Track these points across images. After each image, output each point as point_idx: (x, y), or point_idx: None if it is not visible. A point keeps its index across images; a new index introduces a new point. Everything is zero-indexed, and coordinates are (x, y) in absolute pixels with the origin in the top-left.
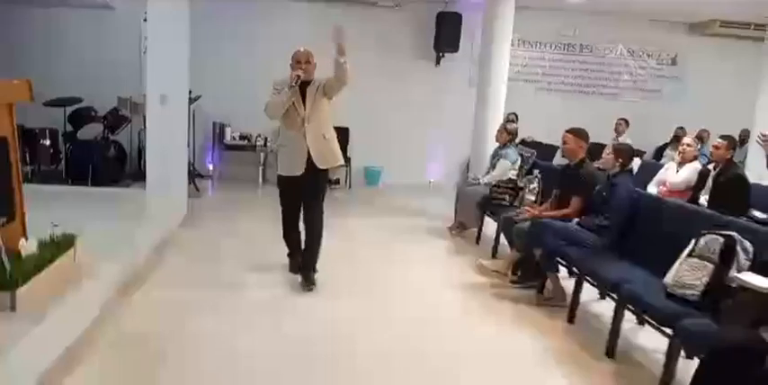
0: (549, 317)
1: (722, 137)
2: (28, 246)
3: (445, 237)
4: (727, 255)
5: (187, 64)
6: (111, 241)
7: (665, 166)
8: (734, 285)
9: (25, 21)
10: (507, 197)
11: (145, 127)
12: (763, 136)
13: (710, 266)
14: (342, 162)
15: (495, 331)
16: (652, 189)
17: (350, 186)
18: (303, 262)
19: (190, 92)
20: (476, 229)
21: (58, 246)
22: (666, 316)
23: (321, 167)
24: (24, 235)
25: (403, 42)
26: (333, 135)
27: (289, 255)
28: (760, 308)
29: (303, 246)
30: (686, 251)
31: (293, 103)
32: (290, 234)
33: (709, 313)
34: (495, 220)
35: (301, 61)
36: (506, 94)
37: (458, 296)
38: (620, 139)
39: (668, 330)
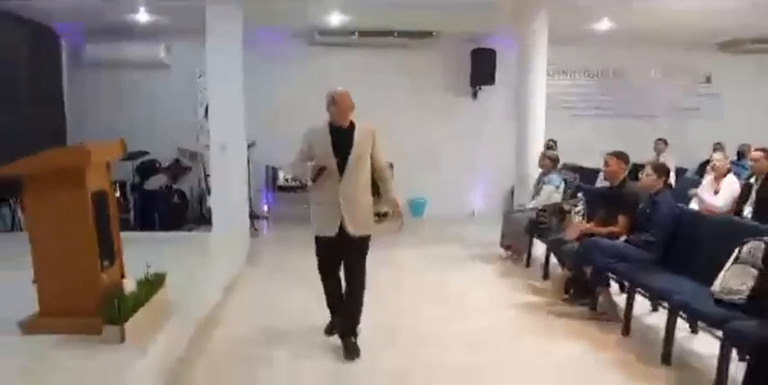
0: (604, 331)
1: (758, 150)
2: (128, 286)
3: (493, 263)
4: None
5: (243, 114)
6: (189, 279)
7: (702, 184)
8: None
9: (93, 82)
10: (554, 219)
11: (204, 175)
12: None
13: (754, 271)
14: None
15: (552, 346)
16: (694, 205)
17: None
18: (343, 327)
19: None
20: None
21: (152, 285)
22: (716, 320)
23: (351, 234)
24: (123, 275)
25: (440, 79)
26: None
27: (332, 314)
28: None
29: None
30: (731, 259)
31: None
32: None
33: (756, 315)
34: (544, 243)
35: (344, 105)
36: (545, 121)
37: (513, 315)
38: (661, 158)
39: (719, 333)
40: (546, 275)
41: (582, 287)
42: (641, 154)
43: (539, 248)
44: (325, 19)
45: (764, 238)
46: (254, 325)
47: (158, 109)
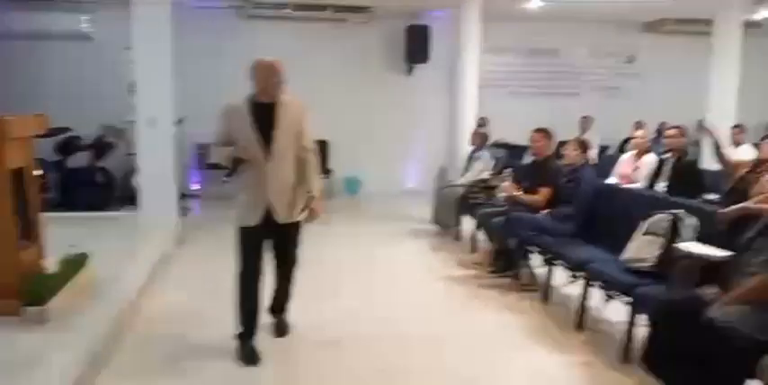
0: (525, 301)
1: (673, 127)
2: (49, 266)
3: (425, 238)
4: (674, 230)
5: (171, 88)
6: (114, 260)
7: (621, 159)
8: (679, 254)
9: (8, 54)
10: (483, 195)
11: (130, 152)
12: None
13: (661, 240)
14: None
15: (477, 315)
16: (612, 180)
17: (332, 197)
18: (275, 304)
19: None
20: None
21: (74, 266)
22: (625, 286)
23: (279, 221)
24: (43, 256)
25: (375, 55)
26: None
27: (241, 335)
28: (699, 272)
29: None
30: (639, 230)
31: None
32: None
33: (661, 282)
34: (473, 217)
35: (271, 77)
36: (478, 99)
37: (441, 287)
38: (586, 136)
39: (629, 299)
40: (474, 249)
41: (506, 259)
42: (569, 131)
43: (468, 224)
44: None
45: (671, 211)
46: (180, 305)
47: (81, 83)
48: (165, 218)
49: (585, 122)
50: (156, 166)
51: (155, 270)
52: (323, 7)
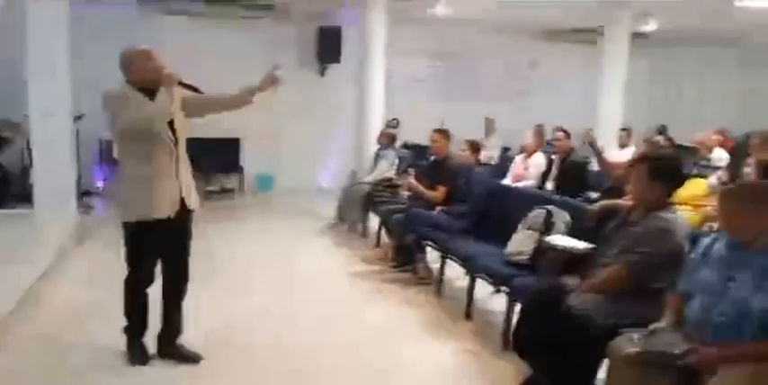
0: (420, 293)
1: (560, 130)
2: None
3: (332, 235)
4: (547, 225)
5: (68, 80)
6: (4, 260)
7: (514, 160)
8: (546, 247)
9: None
10: (386, 193)
11: (28, 147)
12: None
13: (537, 235)
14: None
15: (380, 308)
16: (507, 181)
17: (243, 195)
18: (169, 333)
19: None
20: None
21: None
22: (503, 277)
23: (191, 207)
24: None
25: (288, 55)
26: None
27: (135, 336)
28: (563, 263)
29: (163, 313)
30: (520, 225)
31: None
32: (142, 305)
33: (537, 273)
34: (377, 214)
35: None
36: (389, 100)
37: (347, 282)
38: (490, 138)
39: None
40: (378, 244)
41: (405, 254)
42: (474, 133)
43: (373, 221)
44: None
45: (545, 206)
46: (73, 305)
47: None
48: (62, 215)
49: (488, 124)
50: (52, 162)
51: (48, 269)
52: (234, 3)
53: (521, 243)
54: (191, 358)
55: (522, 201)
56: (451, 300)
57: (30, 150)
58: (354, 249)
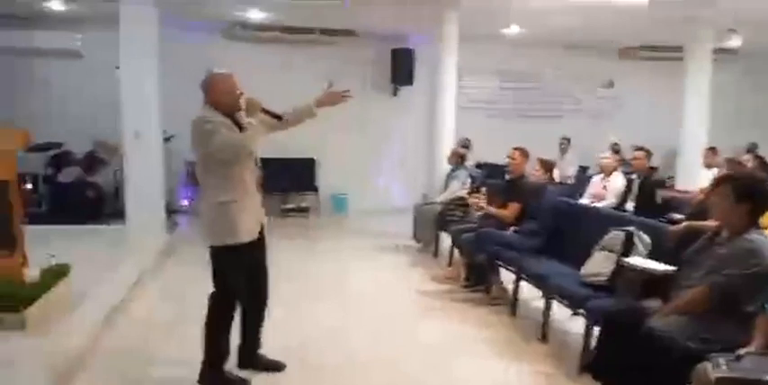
0: (494, 314)
1: (639, 149)
2: (31, 275)
3: (405, 253)
4: (627, 246)
5: (158, 105)
6: (97, 271)
7: (592, 179)
8: (626, 268)
9: (4, 70)
10: (458, 213)
11: (120, 168)
12: None
13: (615, 256)
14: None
15: (447, 326)
16: (584, 200)
17: (319, 214)
18: (253, 345)
19: (164, 132)
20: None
21: (56, 275)
22: (579, 299)
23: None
24: (26, 265)
25: (362, 77)
26: None
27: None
28: (643, 285)
29: (249, 322)
30: (597, 246)
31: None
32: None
33: (614, 295)
34: (449, 234)
35: (236, 89)
36: (460, 120)
37: (418, 300)
38: (566, 157)
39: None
40: (450, 264)
41: (477, 274)
42: (548, 153)
43: (445, 240)
44: (244, 14)
45: (626, 228)
46: (162, 318)
47: (73, 100)
48: (151, 232)
49: (564, 144)
50: (143, 181)
51: (138, 282)
52: (310, 30)
53: (598, 264)
54: (273, 366)
55: (597, 222)
56: (526, 321)
57: (123, 170)
58: (427, 269)
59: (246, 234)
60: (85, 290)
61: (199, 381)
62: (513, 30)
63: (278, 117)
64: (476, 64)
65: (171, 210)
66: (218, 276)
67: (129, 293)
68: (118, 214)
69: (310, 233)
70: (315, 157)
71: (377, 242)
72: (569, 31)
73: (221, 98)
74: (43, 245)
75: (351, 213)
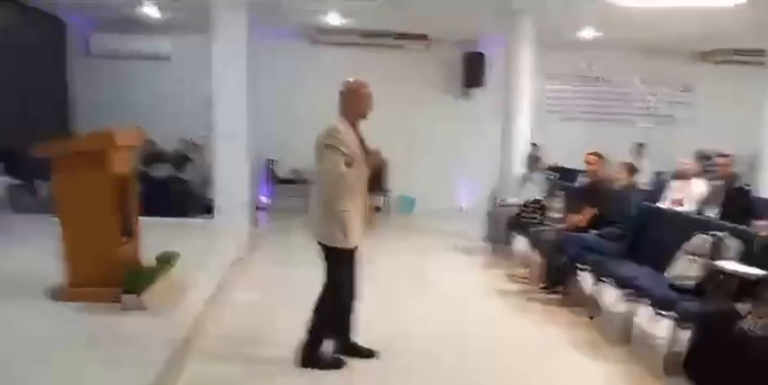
0: (574, 315)
1: (722, 155)
2: (144, 261)
3: (477, 255)
4: (715, 251)
5: (245, 107)
6: (197, 259)
7: (671, 185)
8: (717, 272)
9: (99, 72)
10: (536, 215)
11: (207, 165)
12: None
13: (703, 260)
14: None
15: (527, 327)
16: (664, 204)
17: (389, 214)
18: (349, 334)
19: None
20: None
21: (166, 262)
22: (669, 301)
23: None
24: (139, 252)
25: (433, 80)
26: None
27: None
28: (736, 288)
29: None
30: (683, 250)
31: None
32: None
33: (703, 298)
34: (525, 236)
35: (371, 101)
36: (533, 124)
37: (493, 301)
38: (639, 161)
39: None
40: (525, 266)
41: (556, 276)
42: (622, 157)
43: (520, 241)
44: (324, 19)
45: (711, 232)
46: (255, 302)
47: (163, 101)
48: (237, 226)
49: (638, 149)
50: (231, 178)
51: (231, 271)
52: (386, 34)
53: (685, 267)
54: (367, 353)
55: (682, 226)
56: (605, 322)
57: (210, 168)
58: (501, 269)
59: (355, 241)
60: (188, 277)
61: (302, 365)
62: (589, 33)
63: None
64: (550, 67)
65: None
66: (328, 271)
67: (225, 281)
68: (206, 208)
69: (382, 233)
70: (386, 159)
71: (449, 243)
72: (648, 35)
73: (354, 105)
74: (145, 235)
75: (419, 214)
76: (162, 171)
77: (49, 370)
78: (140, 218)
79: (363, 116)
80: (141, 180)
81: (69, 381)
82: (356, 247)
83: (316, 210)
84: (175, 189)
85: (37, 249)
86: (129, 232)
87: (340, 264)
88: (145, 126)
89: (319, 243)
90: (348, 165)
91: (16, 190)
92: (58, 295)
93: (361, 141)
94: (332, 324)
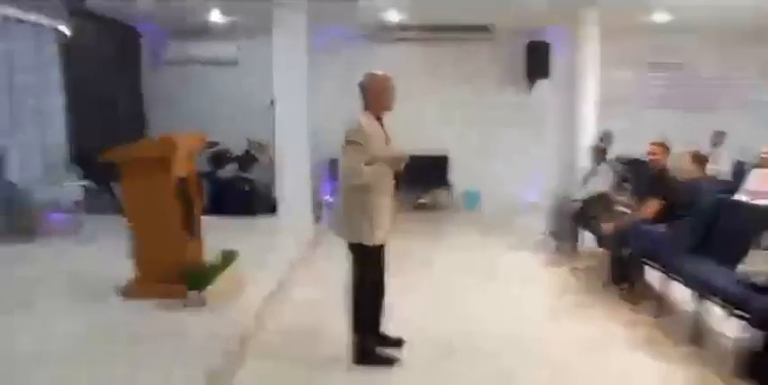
0: (639, 312)
1: None
2: (207, 259)
3: (542, 251)
4: None
5: (306, 107)
6: (259, 257)
7: (750, 174)
8: None
9: (170, 78)
10: (601, 209)
11: (272, 164)
12: None
13: None
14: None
15: (588, 325)
16: (740, 196)
17: (451, 210)
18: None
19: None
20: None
21: (227, 260)
22: (738, 299)
23: None
24: (203, 250)
25: (495, 72)
26: None
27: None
28: None
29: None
30: (756, 244)
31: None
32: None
33: None
34: (589, 231)
35: (392, 91)
36: (601, 113)
37: (556, 297)
38: (717, 150)
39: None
40: (591, 261)
41: (621, 271)
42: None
43: (585, 237)
44: (382, 16)
45: None
46: (315, 300)
47: (230, 103)
48: (301, 223)
49: (717, 137)
50: (293, 177)
51: (292, 268)
52: (445, 28)
53: (758, 263)
54: (395, 342)
55: (758, 220)
56: (671, 321)
57: (274, 167)
58: (566, 265)
59: (380, 239)
60: (249, 274)
61: (355, 361)
62: (661, 17)
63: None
64: (619, 54)
65: (316, 204)
66: (354, 268)
67: (285, 278)
68: (270, 207)
69: (445, 228)
70: (448, 154)
71: (512, 238)
72: (729, 15)
73: (376, 98)
74: (208, 234)
75: (483, 209)
76: (229, 171)
77: (111, 364)
78: (207, 217)
79: (388, 109)
80: (209, 180)
81: (130, 376)
82: (382, 245)
83: (339, 208)
84: (241, 188)
85: (111, 249)
86: (193, 231)
87: (363, 262)
88: (214, 128)
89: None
90: (369, 163)
91: (92, 192)
92: (125, 292)
93: (386, 136)
94: (372, 319)
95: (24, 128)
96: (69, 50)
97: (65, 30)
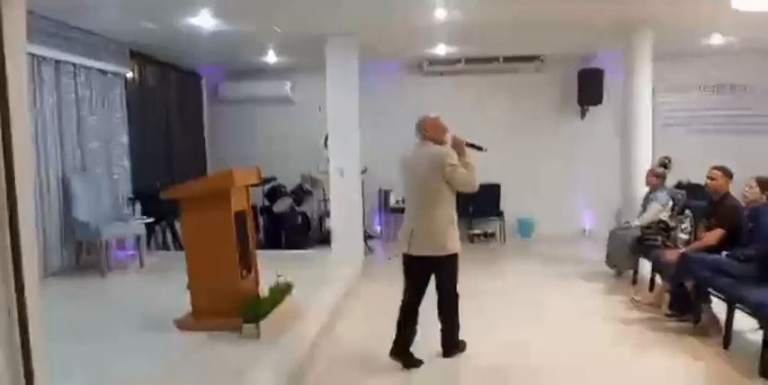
0: (704, 344)
1: None
2: (262, 292)
3: (599, 280)
4: None
5: (358, 142)
6: (312, 289)
7: None
8: None
9: (228, 116)
10: (659, 237)
11: (324, 198)
12: None
13: None
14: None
15: (650, 357)
16: None
17: (504, 239)
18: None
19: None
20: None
21: (281, 292)
22: None
23: None
24: (258, 283)
25: (547, 100)
26: None
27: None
28: None
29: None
30: None
31: None
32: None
33: None
34: (649, 259)
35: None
36: (659, 139)
37: (614, 328)
38: None
39: None
40: (651, 290)
41: (684, 302)
42: (762, 171)
43: (644, 265)
44: (432, 50)
45: None
46: (368, 331)
47: (284, 139)
48: (352, 255)
49: None
50: (345, 211)
51: (344, 299)
52: (493, 59)
53: None
54: (418, 362)
55: None
56: (741, 355)
57: (326, 201)
58: (625, 296)
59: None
60: (303, 306)
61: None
62: (717, 39)
63: (480, 148)
64: (674, 78)
65: (366, 236)
66: (450, 278)
67: (338, 310)
68: (322, 240)
69: (498, 258)
70: (500, 183)
71: (567, 267)
72: None
73: (431, 135)
74: (264, 266)
75: (537, 238)
76: (284, 205)
77: None
78: (263, 251)
79: (441, 143)
80: (265, 215)
81: None
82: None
83: (432, 226)
84: (294, 222)
85: (172, 283)
86: (248, 265)
87: (456, 270)
88: (269, 164)
89: (433, 257)
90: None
91: (153, 228)
92: (182, 325)
93: None
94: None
95: (92, 167)
96: (133, 93)
97: (129, 74)
